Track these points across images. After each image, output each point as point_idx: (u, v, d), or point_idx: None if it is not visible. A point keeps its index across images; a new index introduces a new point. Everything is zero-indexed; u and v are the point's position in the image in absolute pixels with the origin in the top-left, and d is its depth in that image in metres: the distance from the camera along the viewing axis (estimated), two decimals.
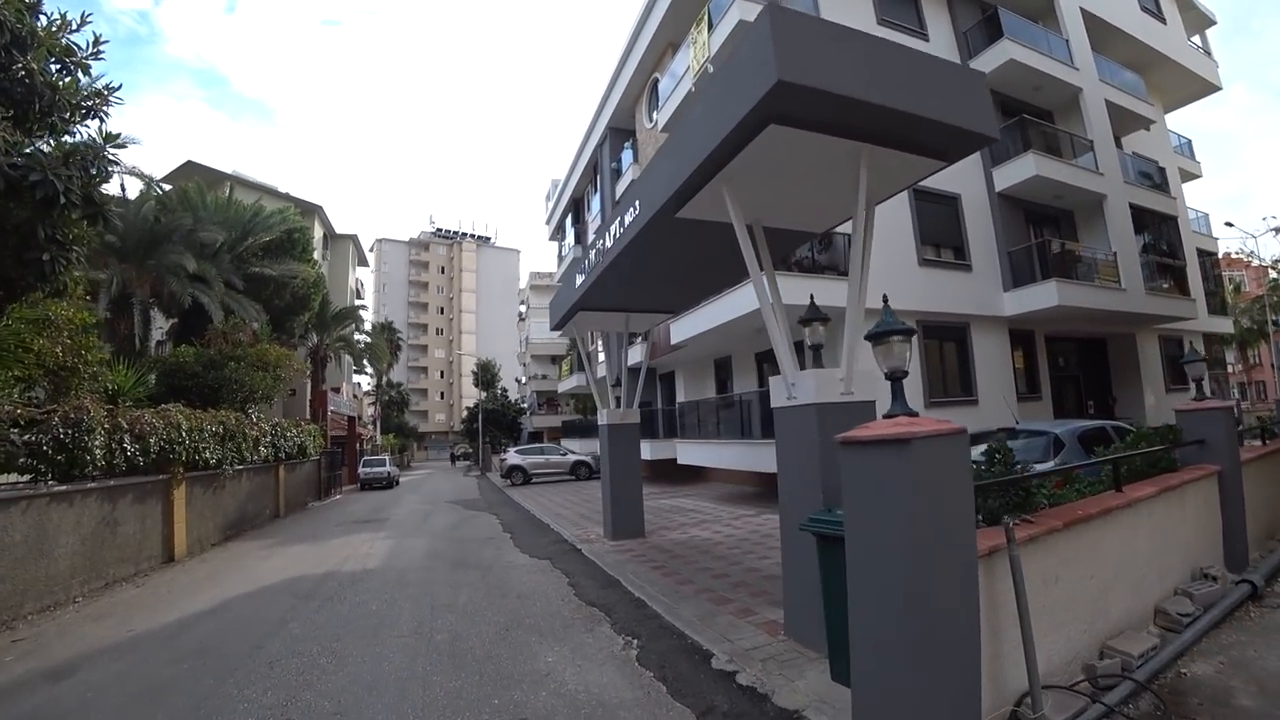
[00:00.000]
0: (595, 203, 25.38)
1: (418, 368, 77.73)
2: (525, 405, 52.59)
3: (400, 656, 4.97)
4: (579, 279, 8.74)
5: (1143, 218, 18.72)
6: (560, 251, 32.01)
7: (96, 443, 7.94)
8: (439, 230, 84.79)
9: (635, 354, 21.15)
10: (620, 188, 21.57)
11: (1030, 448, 7.79)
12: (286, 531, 13.32)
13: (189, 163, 28.93)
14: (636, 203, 6.07)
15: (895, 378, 3.57)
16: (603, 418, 10.29)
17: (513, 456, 25.95)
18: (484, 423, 41.79)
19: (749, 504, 13.31)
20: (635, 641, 5.14)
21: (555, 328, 11.04)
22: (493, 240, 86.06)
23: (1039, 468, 7.57)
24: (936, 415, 11.40)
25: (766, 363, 16.84)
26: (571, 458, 26.15)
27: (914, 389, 13.87)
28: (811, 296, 6.00)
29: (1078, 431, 8.11)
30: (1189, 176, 25.94)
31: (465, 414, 51.30)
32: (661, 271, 7.74)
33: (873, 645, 3.24)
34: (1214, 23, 24.08)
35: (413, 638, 5.44)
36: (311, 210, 31.99)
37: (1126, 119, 19.50)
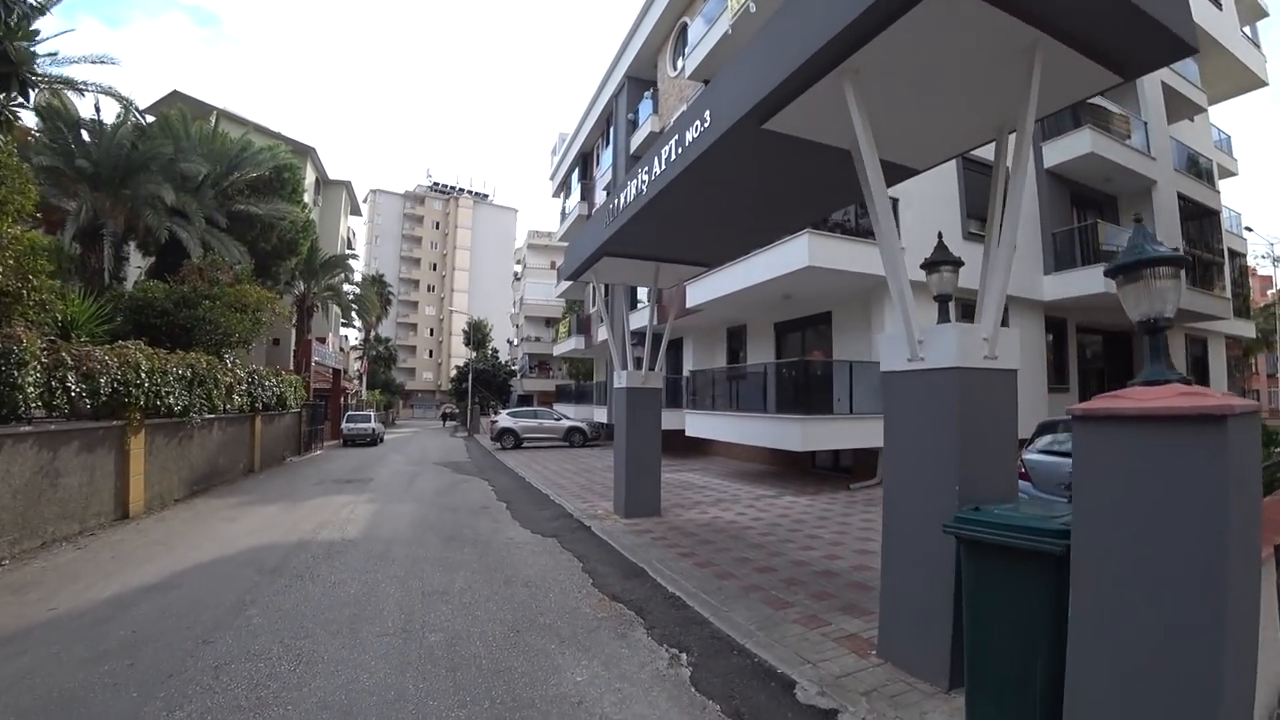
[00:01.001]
0: (606, 156, 23.95)
1: (407, 324, 76.02)
2: (516, 367, 51.42)
3: (384, 666, 3.88)
4: (606, 222, 7.53)
5: (1188, 209, 17.68)
6: (564, 209, 30.58)
7: (29, 379, 6.71)
8: (436, 185, 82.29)
9: (638, 319, 20.01)
10: (636, 140, 20.19)
11: None
12: (260, 489, 12.18)
13: (174, 93, 26.94)
14: (706, 114, 4.85)
15: (1157, 328, 2.47)
16: (620, 379, 9.17)
17: (504, 419, 24.81)
18: (474, 383, 40.52)
19: (765, 483, 12.31)
20: (685, 657, 4.08)
21: (570, 276, 9.84)
22: (490, 198, 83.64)
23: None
24: None
25: (788, 333, 15.75)
26: (566, 423, 25.07)
27: None
28: (940, 234, 4.84)
29: None
30: (1225, 174, 24.82)
31: (454, 373, 49.99)
32: (709, 214, 6.55)
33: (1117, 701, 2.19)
34: (1267, 14, 22.73)
35: (400, 637, 4.36)
36: (304, 152, 30.13)
37: (1179, 103, 18.33)
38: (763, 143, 4.69)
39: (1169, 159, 17.00)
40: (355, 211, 41.11)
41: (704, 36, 14.71)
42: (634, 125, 20.69)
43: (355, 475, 14.63)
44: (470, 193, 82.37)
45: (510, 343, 62.27)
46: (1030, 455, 7.28)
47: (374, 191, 77.08)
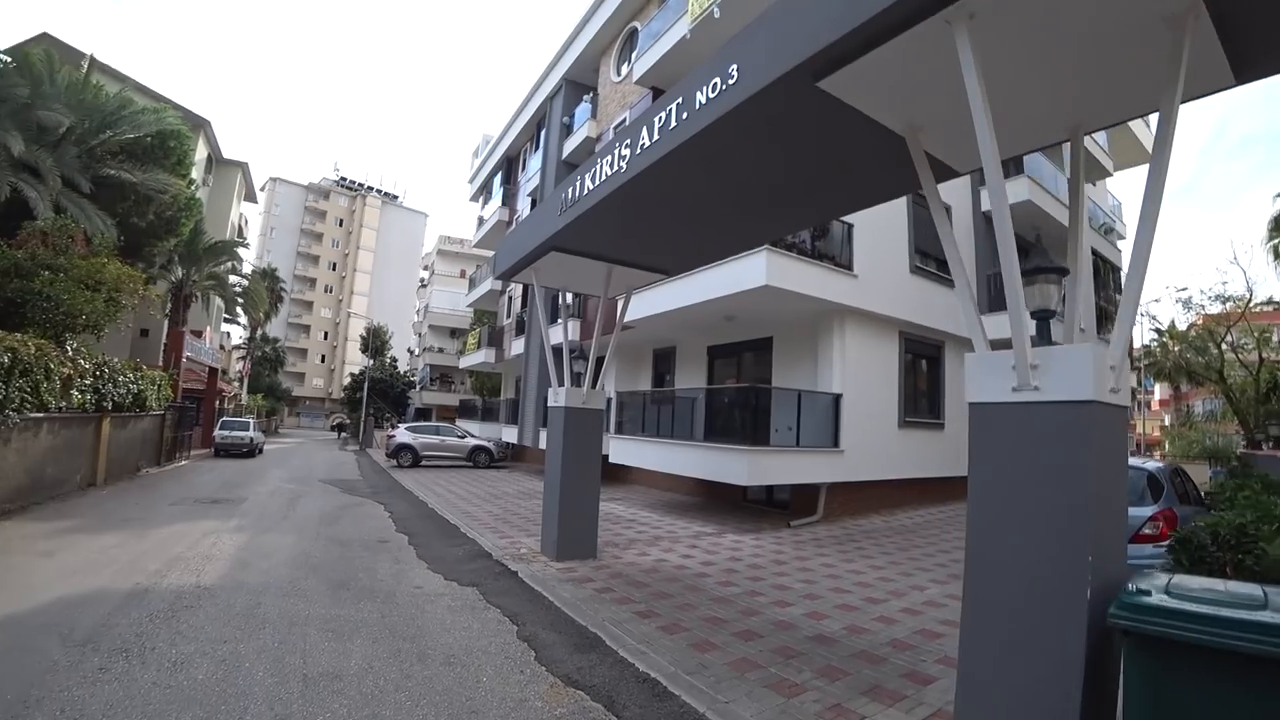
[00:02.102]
0: (534, 161, 22.71)
1: (300, 325, 70.50)
2: (416, 378, 48.47)
3: None
4: (559, 209, 6.34)
5: (1096, 263, 18.63)
6: (481, 215, 28.95)
7: None
8: (343, 179, 77.49)
9: (556, 333, 18.71)
10: (570, 146, 19.12)
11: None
12: (99, 509, 9.89)
13: (44, 35, 23.21)
14: (731, 69, 3.81)
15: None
16: (558, 398, 7.94)
17: (402, 434, 22.64)
18: (369, 393, 37.50)
19: (697, 517, 11.31)
20: None
21: (504, 275, 8.53)
22: (400, 199, 79.72)
23: (1141, 511, 6.16)
24: (907, 437, 9.94)
25: (722, 358, 14.98)
26: (471, 442, 23.19)
27: (889, 406, 12.48)
28: (1038, 234, 3.99)
29: (1166, 471, 6.83)
30: (1117, 236, 26.89)
31: (348, 381, 46.32)
32: (695, 205, 5.52)
33: None
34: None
35: None
36: (197, 124, 26.83)
37: (1091, 166, 19.39)
38: (799, 111, 3.74)
39: (1086, 215, 17.83)
40: (250, 198, 37.49)
41: (658, 40, 13.92)
42: (568, 130, 19.63)
43: (225, 494, 12.40)
44: (379, 192, 78.21)
45: (411, 352, 58.92)
46: None
47: (274, 179, 71.59)
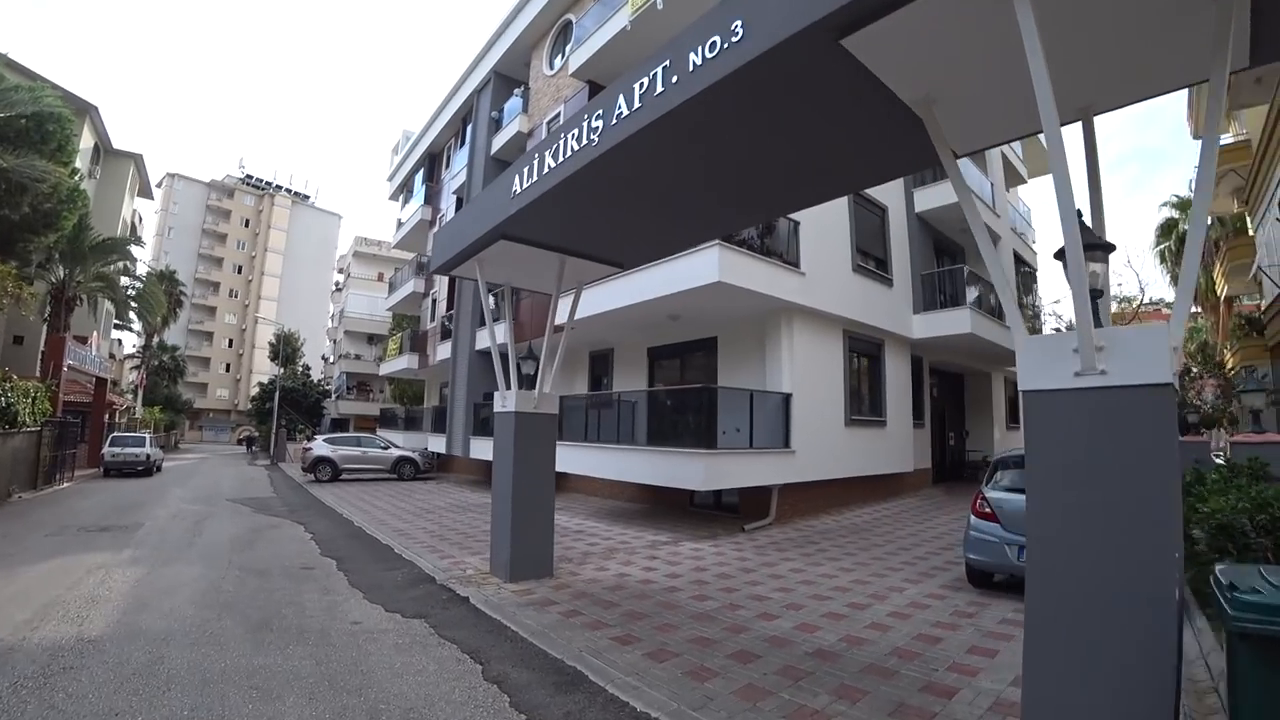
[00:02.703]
0: (460, 157, 21.71)
1: (201, 332, 65.45)
2: (332, 387, 45.82)
3: None
4: (512, 192, 5.72)
5: (1017, 265, 19.50)
6: (401, 215, 27.54)
7: None
8: (249, 178, 72.44)
9: (486, 337, 17.85)
10: (499, 141, 18.33)
11: None
12: None
13: None
14: (735, 24, 3.35)
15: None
16: (505, 402, 7.28)
17: (320, 446, 21.12)
18: (280, 403, 34.94)
19: (646, 525, 10.83)
20: None
21: (442, 268, 7.79)
22: (312, 200, 75.41)
23: None
24: (853, 436, 9.85)
25: (664, 359, 14.59)
26: (395, 453, 21.90)
27: (836, 406, 12.43)
28: (1079, 212, 3.66)
29: None
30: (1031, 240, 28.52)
31: (257, 391, 43.14)
32: (671, 187, 5.06)
33: None
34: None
35: None
36: (82, 109, 24.14)
37: (1010, 173, 20.34)
38: (814, 75, 3.34)
39: (1008, 218, 18.63)
40: (145, 193, 34.35)
41: (596, 31, 13.40)
42: (498, 125, 18.81)
43: (116, 519, 10.92)
44: (289, 191, 73.81)
45: (326, 360, 55.79)
46: (994, 494, 6.58)
47: (172, 175, 66.34)
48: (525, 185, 5.36)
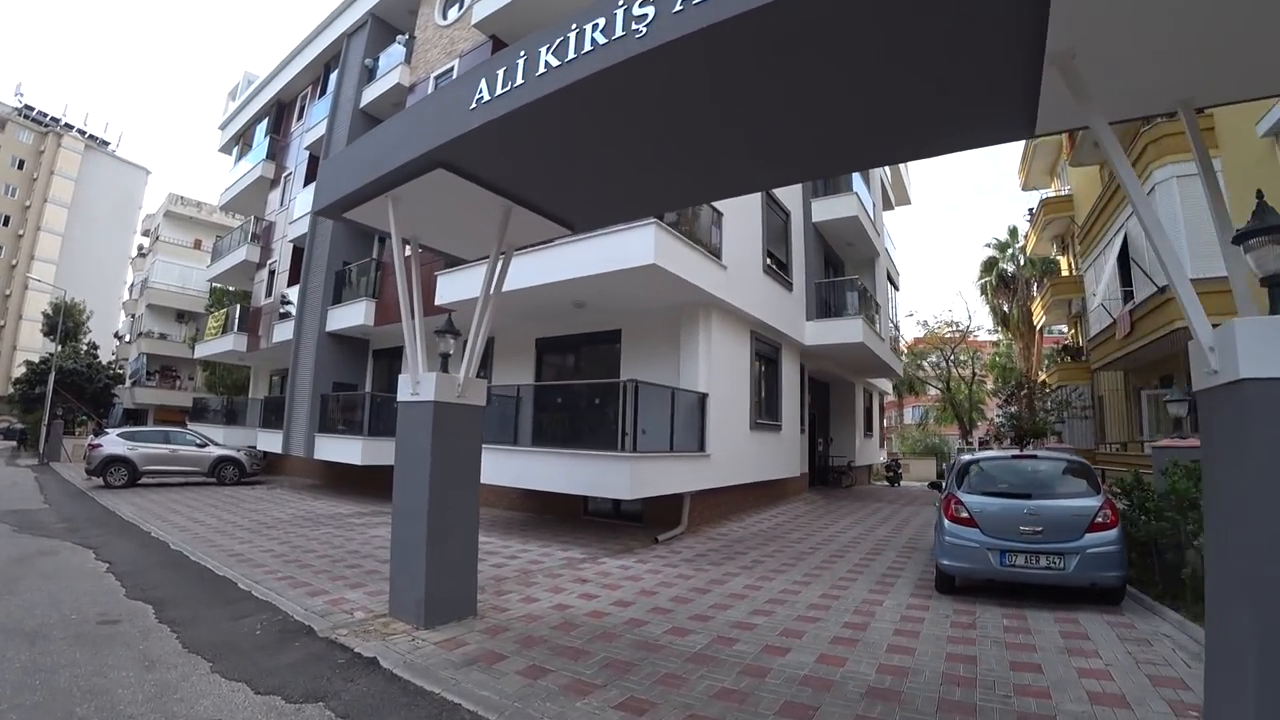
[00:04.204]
0: (319, 108, 18.82)
1: None
2: (126, 371, 38.64)
3: None
4: (468, 103, 4.23)
5: (887, 286, 20.56)
6: (234, 171, 23.66)
7: None
8: (28, 109, 59.02)
9: (343, 316, 15.47)
10: (372, 94, 16.00)
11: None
12: None
13: None
14: None
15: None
16: (418, 389, 5.67)
17: (113, 442, 16.90)
18: (57, 388, 28.46)
19: (544, 537, 9.52)
20: None
21: (330, 210, 5.93)
22: (113, 147, 63.26)
23: (1091, 501, 5.90)
24: (758, 440, 9.48)
25: (555, 352, 13.18)
26: (214, 451, 18.23)
27: (743, 408, 11.93)
28: (1260, 193, 2.86)
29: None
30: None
31: (23, 373, 35.04)
32: (666, 130, 3.96)
33: None
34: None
35: None
36: None
37: (886, 198, 21.48)
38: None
39: (885, 238, 19.54)
40: None
41: None
42: (371, 75, 16.42)
43: None
44: (83, 133, 61.26)
45: (120, 338, 47.18)
46: (972, 498, 6.19)
47: None
48: (500, 91, 3.95)
